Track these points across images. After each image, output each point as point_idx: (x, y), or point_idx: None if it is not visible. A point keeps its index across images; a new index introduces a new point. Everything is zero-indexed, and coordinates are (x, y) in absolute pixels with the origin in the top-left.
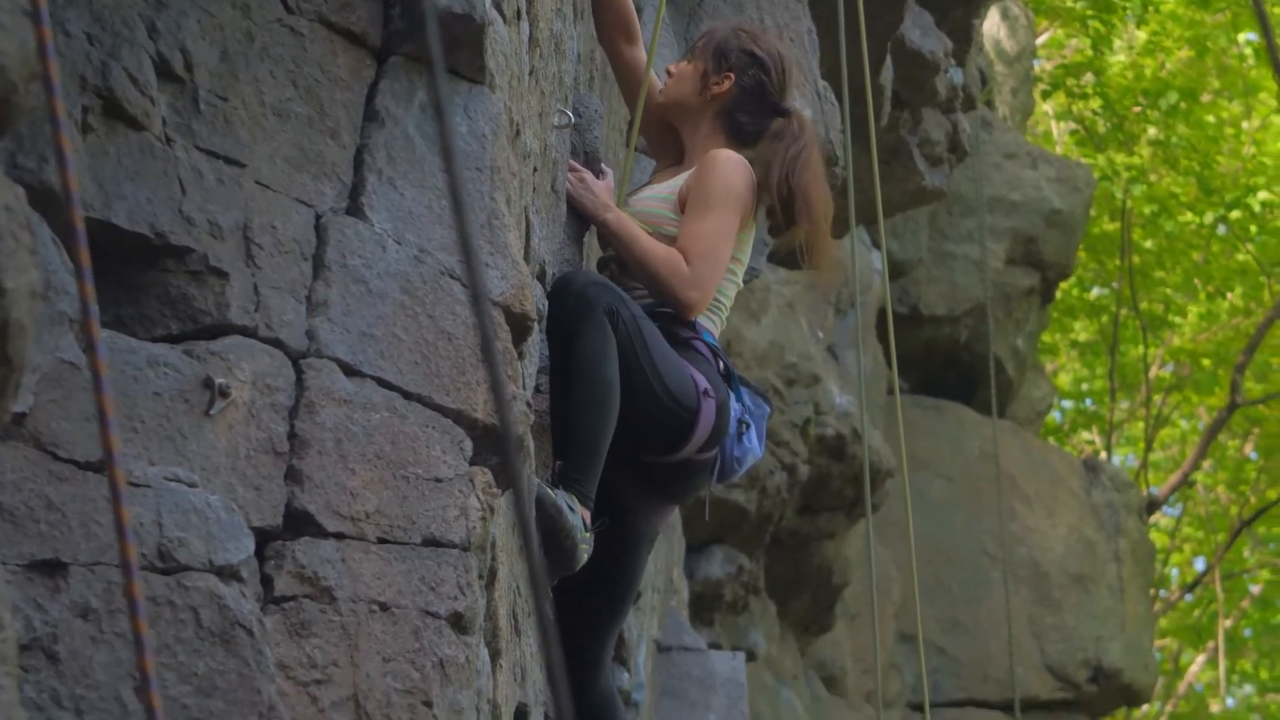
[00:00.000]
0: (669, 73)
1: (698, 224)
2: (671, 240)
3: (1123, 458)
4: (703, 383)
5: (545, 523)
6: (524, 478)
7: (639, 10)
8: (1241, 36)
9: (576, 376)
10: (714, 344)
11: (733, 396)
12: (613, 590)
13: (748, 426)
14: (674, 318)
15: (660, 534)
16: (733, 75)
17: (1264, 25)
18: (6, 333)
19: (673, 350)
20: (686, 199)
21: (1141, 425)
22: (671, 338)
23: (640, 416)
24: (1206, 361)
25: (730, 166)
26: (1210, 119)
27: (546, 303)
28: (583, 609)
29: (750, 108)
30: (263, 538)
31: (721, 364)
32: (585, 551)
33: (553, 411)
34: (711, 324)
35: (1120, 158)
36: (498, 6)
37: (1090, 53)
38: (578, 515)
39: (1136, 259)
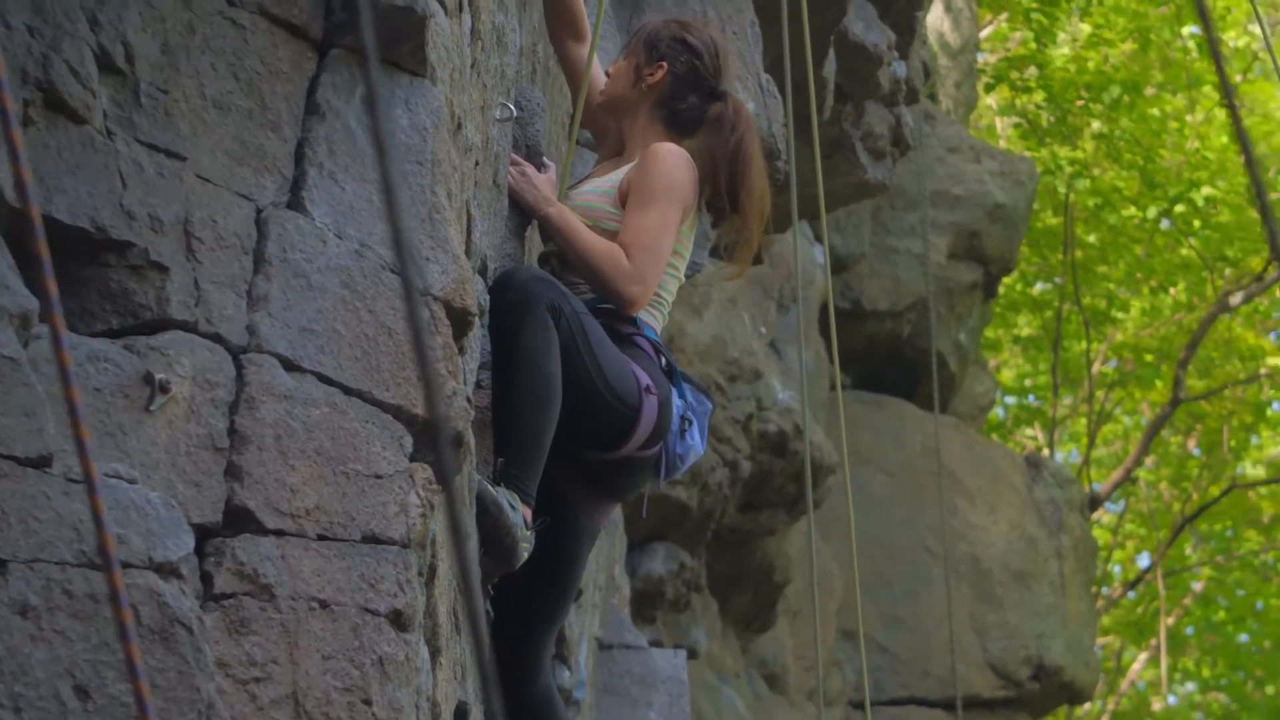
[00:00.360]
0: (608, 74)
1: (639, 218)
2: (612, 235)
3: (1065, 454)
4: (645, 379)
5: (486, 520)
6: (455, 472)
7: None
8: (1185, 30)
9: (518, 372)
10: (656, 340)
11: (675, 393)
12: (553, 587)
13: (690, 423)
14: (616, 313)
15: (602, 531)
16: (665, 64)
17: (1203, 19)
18: None
19: (615, 347)
20: (627, 193)
21: (1084, 421)
22: (614, 334)
23: (582, 413)
24: (1149, 357)
25: (672, 160)
26: (1154, 113)
27: (488, 298)
28: (523, 606)
29: (686, 95)
30: (202, 534)
31: (664, 360)
32: (526, 549)
33: (494, 408)
34: (654, 319)
35: (1064, 152)
36: None
37: (1034, 46)
38: (519, 513)
39: (1080, 253)
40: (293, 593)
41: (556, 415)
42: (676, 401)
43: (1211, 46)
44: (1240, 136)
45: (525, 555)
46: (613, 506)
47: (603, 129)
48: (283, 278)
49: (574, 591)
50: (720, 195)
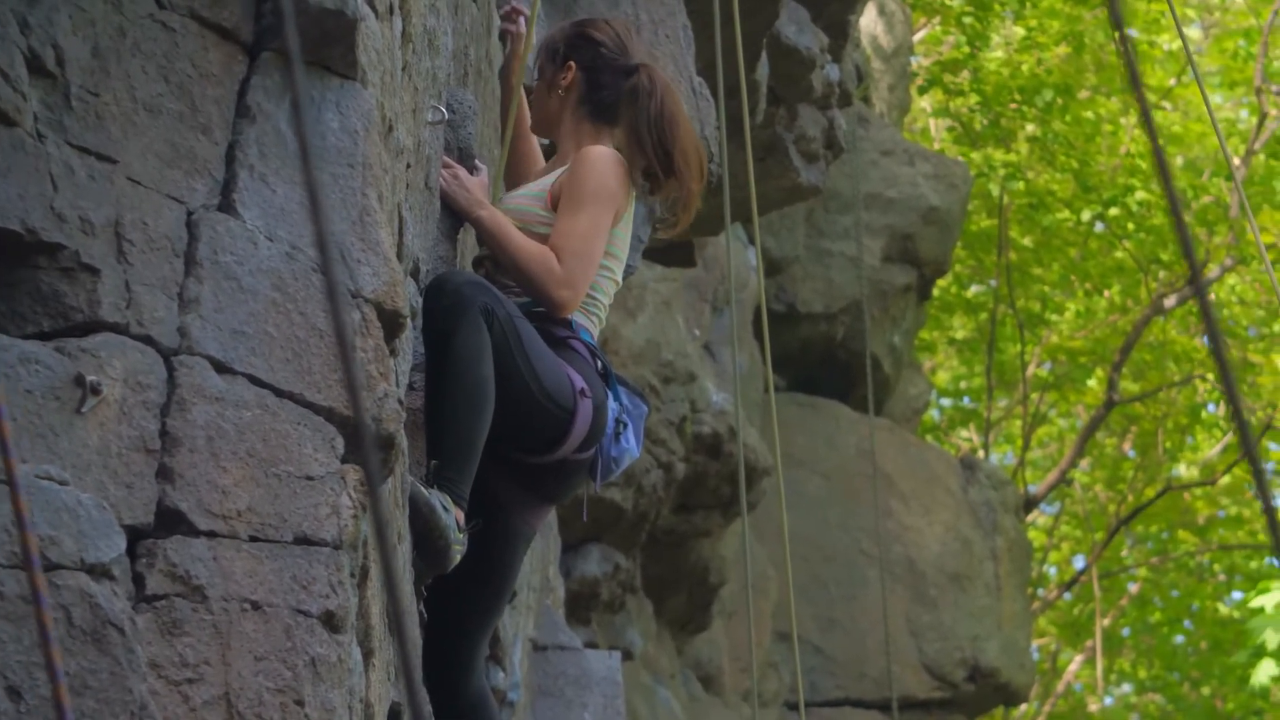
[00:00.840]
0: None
1: (570, 221)
2: (542, 238)
3: (1000, 456)
4: (579, 382)
5: (418, 522)
6: (380, 473)
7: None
8: (1118, 34)
9: (451, 375)
10: (591, 343)
11: (610, 396)
12: (487, 589)
13: (625, 426)
14: (550, 317)
15: (537, 533)
16: (571, 63)
17: (1116, 20)
18: None
19: (549, 350)
20: (559, 196)
21: (1019, 423)
22: (548, 337)
23: (516, 416)
24: (1083, 359)
25: (603, 163)
26: (1088, 115)
27: (420, 300)
28: (457, 608)
29: (601, 83)
30: (134, 536)
31: (599, 363)
32: (458, 552)
33: (426, 411)
34: (589, 322)
35: (998, 154)
36: (370, 2)
37: (967, 49)
38: (451, 515)
39: (1014, 256)
40: (225, 594)
41: (489, 418)
42: (612, 404)
43: (1124, 48)
44: (1154, 143)
45: (458, 558)
46: (548, 510)
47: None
48: (214, 280)
49: (508, 594)
50: (652, 162)
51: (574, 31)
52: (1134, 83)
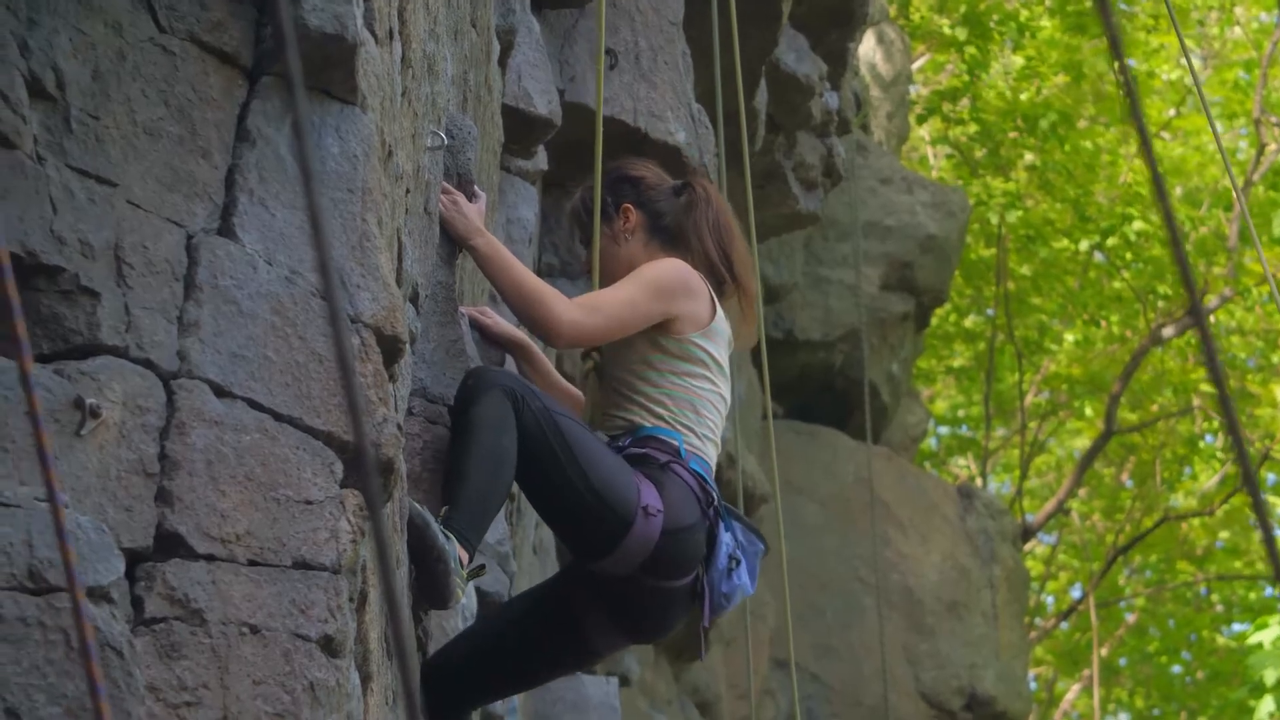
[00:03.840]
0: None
1: (608, 290)
2: (644, 361)
3: (998, 484)
4: (649, 500)
5: (414, 539)
6: (381, 497)
7: (512, 32)
8: (1117, 64)
9: (469, 438)
10: (701, 473)
11: (724, 529)
12: (531, 680)
13: (738, 562)
14: (657, 441)
15: (537, 558)
16: (625, 204)
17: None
18: None
19: (615, 458)
20: None
21: (1017, 452)
22: (648, 461)
23: (563, 511)
24: (1080, 388)
25: (665, 263)
26: (1087, 145)
27: (419, 325)
28: (497, 666)
29: (658, 210)
30: (133, 559)
31: (710, 494)
32: (460, 587)
33: (446, 468)
34: (701, 445)
35: (996, 183)
36: (370, 27)
37: (966, 78)
38: (454, 545)
39: (1012, 285)
40: (223, 618)
41: (505, 486)
42: (726, 539)
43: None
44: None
45: (460, 594)
46: (635, 637)
47: None
48: (213, 304)
49: (543, 683)
50: (716, 266)
51: (612, 180)
52: (1135, 113)
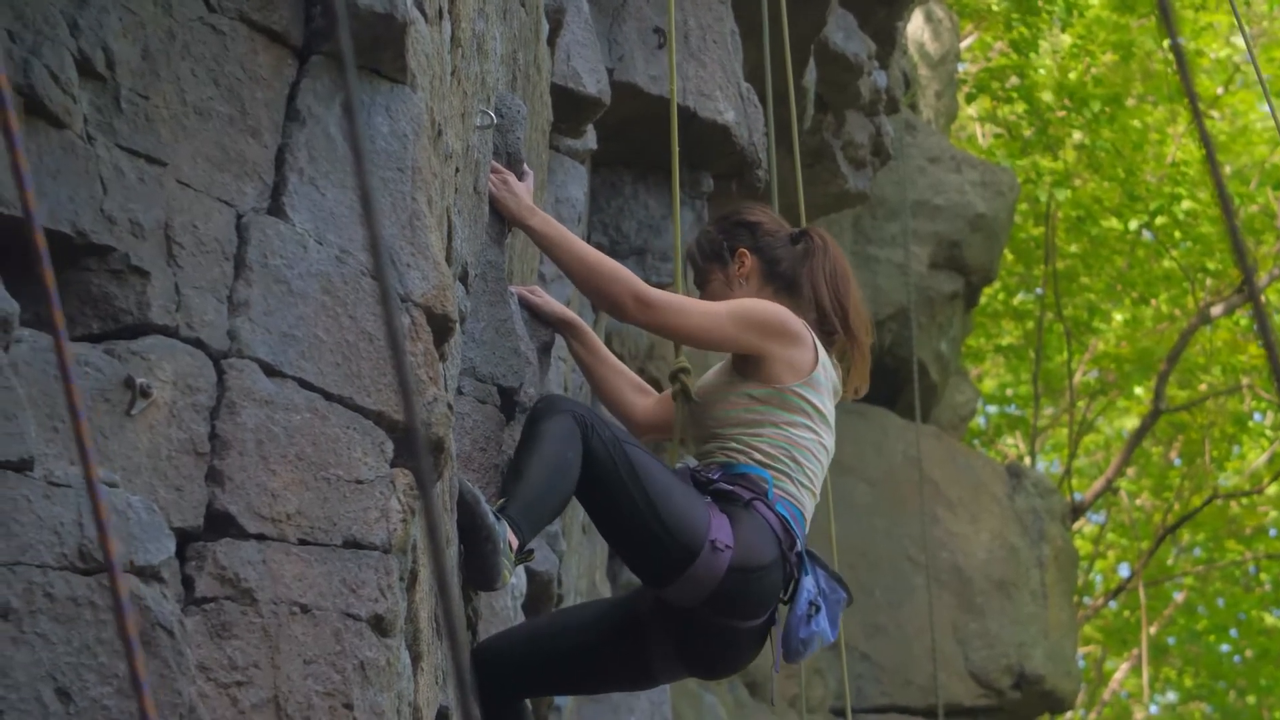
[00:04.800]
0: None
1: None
2: (742, 409)
3: (1047, 463)
4: (719, 535)
5: (464, 516)
6: (431, 476)
7: (562, 11)
8: (1166, 42)
9: (533, 446)
10: (787, 516)
11: (806, 575)
12: (584, 687)
13: (818, 609)
14: (747, 481)
15: (584, 536)
16: (741, 249)
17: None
18: None
19: (688, 489)
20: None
21: (1065, 431)
22: (730, 497)
23: (630, 536)
24: (1129, 367)
25: (765, 302)
26: (1135, 124)
27: (469, 304)
28: (552, 671)
29: (775, 256)
30: (184, 538)
31: (793, 539)
32: (507, 568)
33: (508, 467)
34: (796, 491)
35: (1045, 162)
36: (419, 6)
37: (1015, 56)
38: (503, 526)
39: (1061, 264)
40: (274, 597)
41: (564, 495)
42: (808, 584)
43: (1177, 55)
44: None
45: (507, 575)
46: (697, 671)
47: None
48: (263, 283)
49: (601, 691)
50: (829, 317)
51: (729, 224)
52: (1187, 91)
